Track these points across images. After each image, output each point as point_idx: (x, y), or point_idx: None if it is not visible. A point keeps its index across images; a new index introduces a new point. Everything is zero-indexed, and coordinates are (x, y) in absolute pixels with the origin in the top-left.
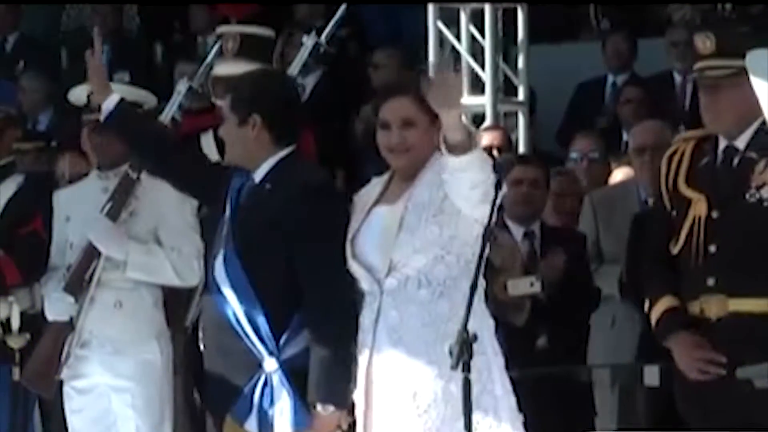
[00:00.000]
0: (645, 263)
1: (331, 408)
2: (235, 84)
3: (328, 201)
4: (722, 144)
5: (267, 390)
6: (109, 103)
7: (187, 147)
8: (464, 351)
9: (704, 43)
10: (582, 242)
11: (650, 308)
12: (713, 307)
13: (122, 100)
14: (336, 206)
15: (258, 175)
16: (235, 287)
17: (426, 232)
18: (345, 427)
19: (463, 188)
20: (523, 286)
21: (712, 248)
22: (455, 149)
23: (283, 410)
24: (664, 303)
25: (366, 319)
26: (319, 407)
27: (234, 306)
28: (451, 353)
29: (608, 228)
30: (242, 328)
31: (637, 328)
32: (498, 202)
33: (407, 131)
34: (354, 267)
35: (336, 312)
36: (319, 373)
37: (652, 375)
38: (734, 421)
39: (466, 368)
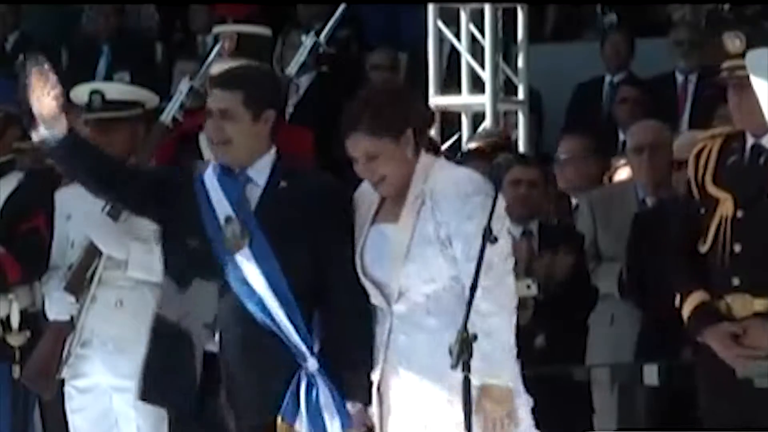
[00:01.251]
0: (672, 258)
1: (359, 406)
2: (238, 79)
3: (346, 200)
4: (750, 141)
5: (313, 390)
6: (56, 134)
7: (134, 176)
8: (464, 350)
9: (734, 42)
10: (580, 241)
11: (681, 303)
12: (738, 306)
13: (71, 131)
14: (350, 205)
15: (259, 174)
16: (272, 286)
17: (433, 266)
18: (370, 424)
19: None
20: (520, 288)
21: (737, 248)
22: None
23: (333, 412)
24: (696, 298)
25: (378, 335)
26: (349, 405)
27: (271, 304)
28: (450, 353)
29: (606, 227)
30: (279, 327)
31: (636, 326)
32: (496, 204)
33: (373, 163)
34: (365, 283)
35: (362, 310)
36: (352, 373)
37: (651, 374)
38: (748, 421)
39: (466, 368)
